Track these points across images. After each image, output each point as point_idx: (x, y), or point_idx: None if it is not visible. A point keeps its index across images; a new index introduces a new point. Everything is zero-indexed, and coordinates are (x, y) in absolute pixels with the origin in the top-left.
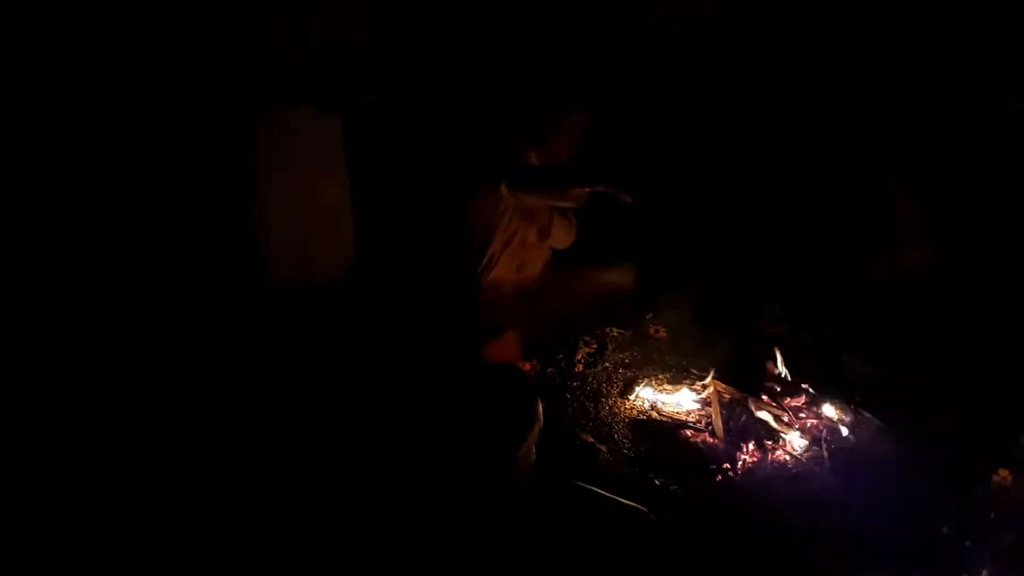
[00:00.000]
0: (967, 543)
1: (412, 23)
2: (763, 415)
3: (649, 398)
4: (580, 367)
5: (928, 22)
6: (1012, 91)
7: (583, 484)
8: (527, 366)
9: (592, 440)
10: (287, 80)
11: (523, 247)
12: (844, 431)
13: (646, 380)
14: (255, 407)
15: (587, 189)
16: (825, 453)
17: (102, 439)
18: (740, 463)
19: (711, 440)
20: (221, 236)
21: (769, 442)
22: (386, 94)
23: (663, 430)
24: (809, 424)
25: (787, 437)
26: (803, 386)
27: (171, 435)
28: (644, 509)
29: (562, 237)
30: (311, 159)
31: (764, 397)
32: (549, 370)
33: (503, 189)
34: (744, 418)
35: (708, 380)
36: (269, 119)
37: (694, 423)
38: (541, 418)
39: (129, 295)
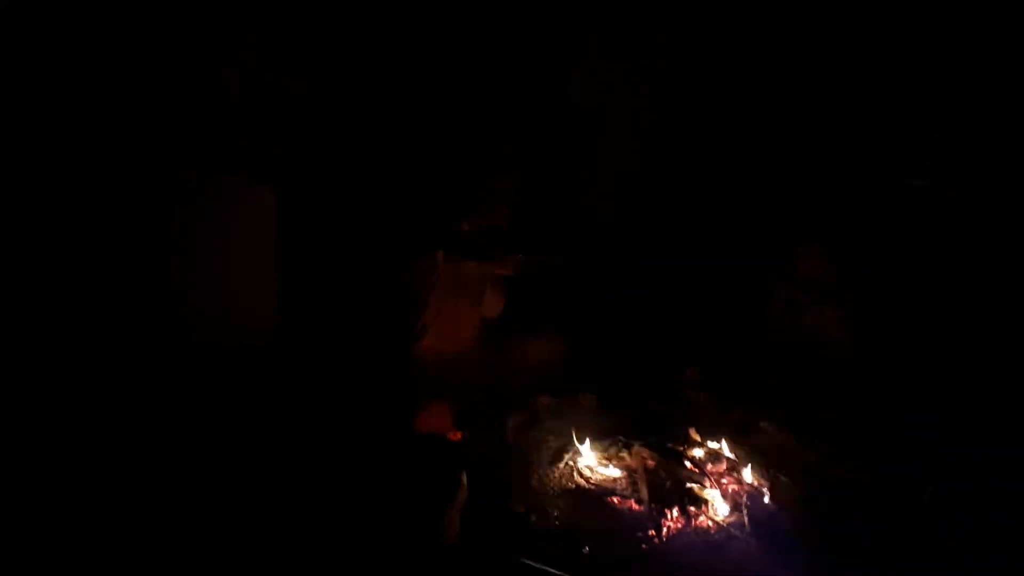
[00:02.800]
0: None
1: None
2: (686, 481)
3: (578, 466)
4: (511, 436)
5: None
6: (908, 169)
7: (515, 555)
8: (457, 435)
9: (522, 510)
10: (222, 139)
11: (456, 314)
12: (764, 497)
13: (575, 448)
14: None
15: (519, 256)
16: (746, 518)
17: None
18: (665, 529)
19: (637, 507)
20: (137, 296)
21: (692, 508)
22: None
23: (591, 497)
24: (731, 490)
25: (709, 503)
26: (724, 452)
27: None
28: None
29: (492, 305)
30: (238, 224)
31: (687, 463)
32: (479, 439)
33: (439, 257)
34: (668, 484)
35: (635, 447)
36: (198, 182)
37: (621, 490)
38: (465, 489)
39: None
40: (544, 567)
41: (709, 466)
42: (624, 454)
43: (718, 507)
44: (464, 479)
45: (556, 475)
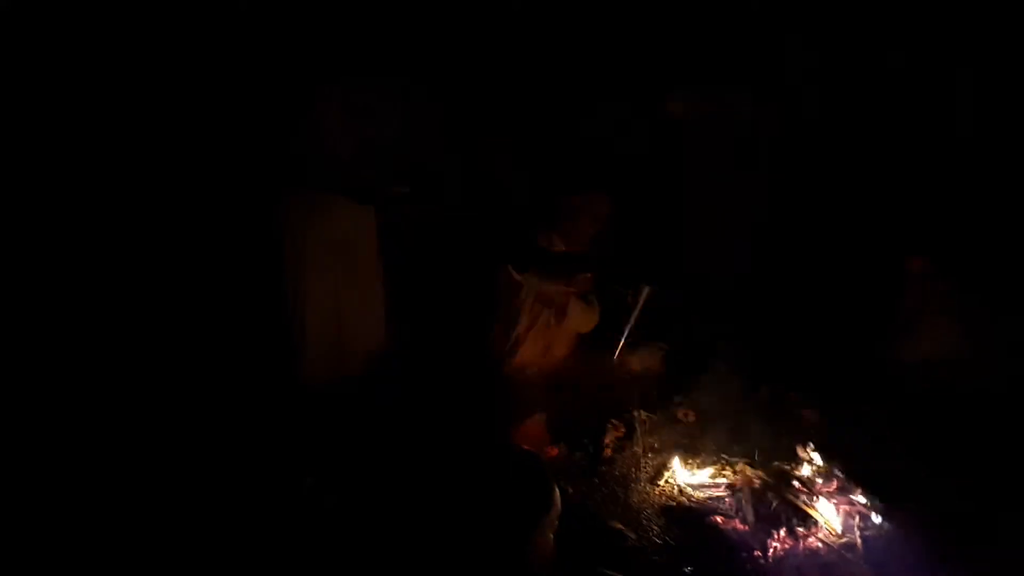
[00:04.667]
0: None
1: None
2: (794, 500)
3: (679, 483)
4: (608, 451)
5: None
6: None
7: (610, 573)
8: (554, 450)
9: (620, 527)
10: (329, 170)
11: (548, 329)
12: (876, 518)
13: (675, 465)
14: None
15: (590, 275)
16: (858, 540)
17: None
18: (771, 550)
19: (741, 526)
20: (256, 325)
21: (800, 528)
22: (417, 186)
23: (693, 516)
24: (842, 510)
25: (819, 523)
26: (835, 471)
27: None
28: None
29: (583, 320)
30: (346, 248)
31: (795, 483)
32: (576, 454)
33: (516, 274)
34: (775, 504)
35: (738, 465)
36: (310, 207)
37: (724, 509)
38: (558, 505)
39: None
40: None
41: (819, 485)
42: (728, 472)
43: (828, 528)
44: (557, 495)
45: (656, 492)
